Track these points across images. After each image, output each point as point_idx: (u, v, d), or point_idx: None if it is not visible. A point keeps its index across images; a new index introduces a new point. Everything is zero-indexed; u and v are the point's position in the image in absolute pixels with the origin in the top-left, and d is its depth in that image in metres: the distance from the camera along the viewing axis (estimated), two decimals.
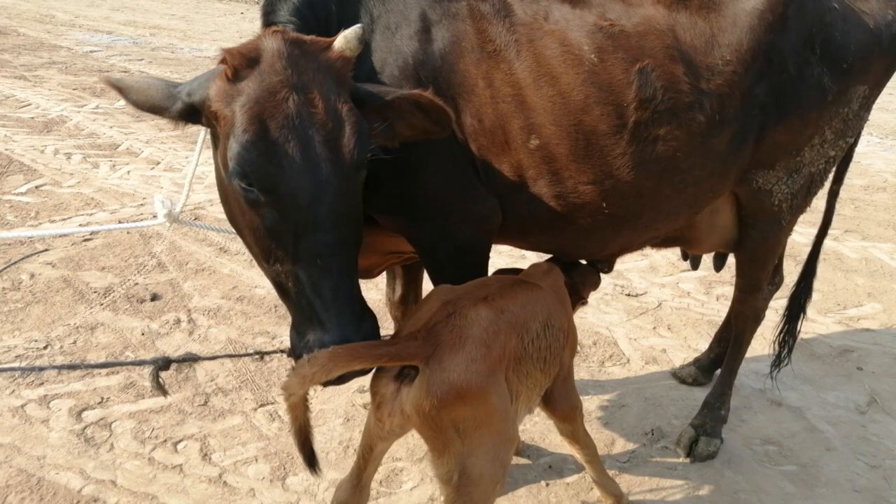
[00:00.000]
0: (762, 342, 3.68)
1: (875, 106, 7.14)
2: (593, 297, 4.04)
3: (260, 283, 3.99)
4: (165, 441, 2.79)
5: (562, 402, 2.19)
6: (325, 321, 1.76)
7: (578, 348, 3.52)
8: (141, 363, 2.12)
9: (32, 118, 6.78)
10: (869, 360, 3.57)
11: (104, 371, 3.17)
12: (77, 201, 4.95)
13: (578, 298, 2.41)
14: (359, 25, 1.83)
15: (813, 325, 3.89)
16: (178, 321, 3.58)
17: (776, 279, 2.84)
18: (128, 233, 4.48)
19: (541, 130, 2.04)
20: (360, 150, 1.74)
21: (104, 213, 4.81)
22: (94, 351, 3.31)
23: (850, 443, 2.97)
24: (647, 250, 4.53)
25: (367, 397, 3.04)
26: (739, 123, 2.14)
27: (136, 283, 3.91)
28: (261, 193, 1.69)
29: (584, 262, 2.48)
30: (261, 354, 2.09)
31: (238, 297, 3.84)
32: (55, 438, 2.76)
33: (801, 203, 2.48)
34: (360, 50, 1.84)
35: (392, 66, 2.01)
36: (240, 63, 1.70)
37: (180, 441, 2.80)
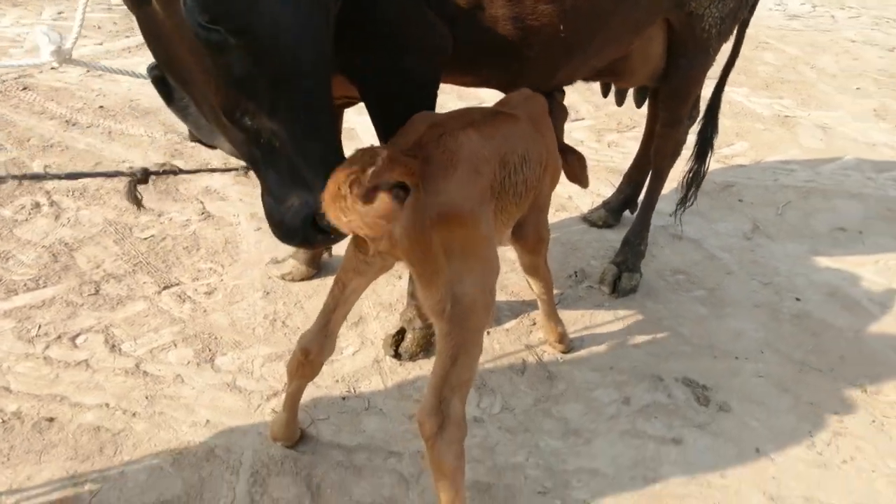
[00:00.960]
0: None
1: None
2: None
3: (128, 157, 3.48)
4: (59, 337, 2.42)
5: (532, 233, 2.15)
6: (310, 181, 1.51)
7: None
8: (117, 174, 1.78)
9: None
10: (746, 193, 3.86)
11: None
12: None
13: (563, 147, 2.29)
14: None
15: None
16: (38, 205, 3.05)
17: (693, 112, 2.90)
18: None
19: None
20: None
21: None
22: None
23: (744, 266, 3.23)
24: None
25: (284, 268, 2.83)
26: None
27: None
28: (230, 35, 1.34)
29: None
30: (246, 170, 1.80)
31: None
32: None
33: (727, 29, 2.51)
34: None
35: None
36: None
37: (78, 335, 2.44)
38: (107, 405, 2.19)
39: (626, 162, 3.63)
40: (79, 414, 2.15)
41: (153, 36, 1.57)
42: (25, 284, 2.63)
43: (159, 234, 2.97)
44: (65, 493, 1.91)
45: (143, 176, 1.77)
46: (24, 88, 4.02)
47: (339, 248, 2.45)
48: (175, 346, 2.44)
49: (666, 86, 2.64)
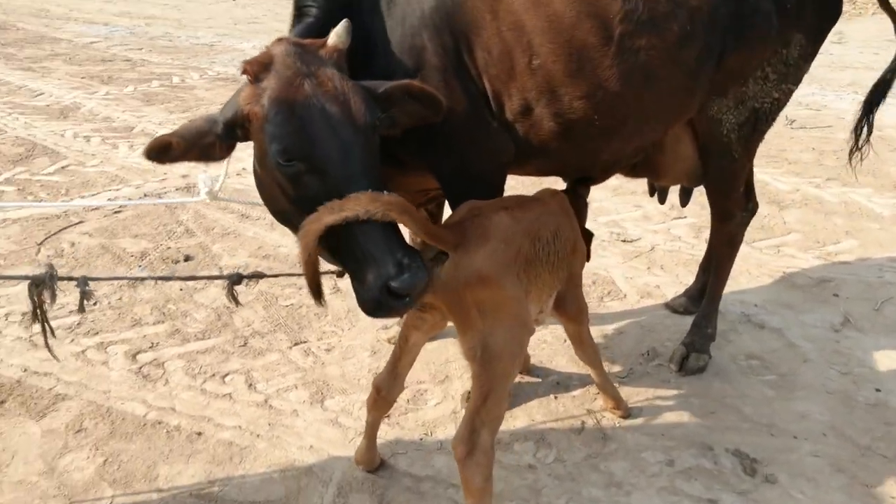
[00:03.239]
0: (747, 277, 4.03)
1: (859, 65, 7.65)
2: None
3: (282, 243, 4.31)
4: (214, 375, 3.13)
5: (571, 305, 2.54)
6: (379, 260, 1.95)
7: None
8: (218, 277, 2.48)
9: (48, 105, 7.06)
10: (844, 288, 3.90)
11: (152, 321, 3.50)
12: (103, 178, 5.26)
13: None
14: (345, 21, 2.12)
15: (794, 260, 4.23)
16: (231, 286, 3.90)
17: (749, 206, 3.13)
18: (153, 205, 4.79)
19: (539, 50, 2.30)
20: (370, 114, 2.02)
21: (129, 188, 5.12)
22: (139, 305, 3.63)
23: (825, 355, 3.31)
24: (642, 202, 4.85)
25: (391, 332, 3.39)
26: (705, 40, 2.42)
27: (169, 247, 4.23)
28: (300, 162, 1.95)
29: (570, 189, 2.80)
30: (334, 273, 2.39)
31: (264, 256, 4.16)
32: (116, 376, 3.10)
33: (748, 135, 2.76)
34: (349, 42, 2.12)
35: (412, 17, 2.30)
36: (257, 68, 1.98)
37: (227, 375, 3.13)
38: (240, 427, 2.81)
39: None
40: (219, 432, 2.79)
41: (259, 183, 2.23)
42: (195, 335, 3.41)
43: (297, 303, 3.68)
44: (201, 486, 2.51)
45: (238, 280, 2.42)
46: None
47: None
48: (296, 388, 3.05)
49: (706, 184, 2.96)
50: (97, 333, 3.39)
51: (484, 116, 2.44)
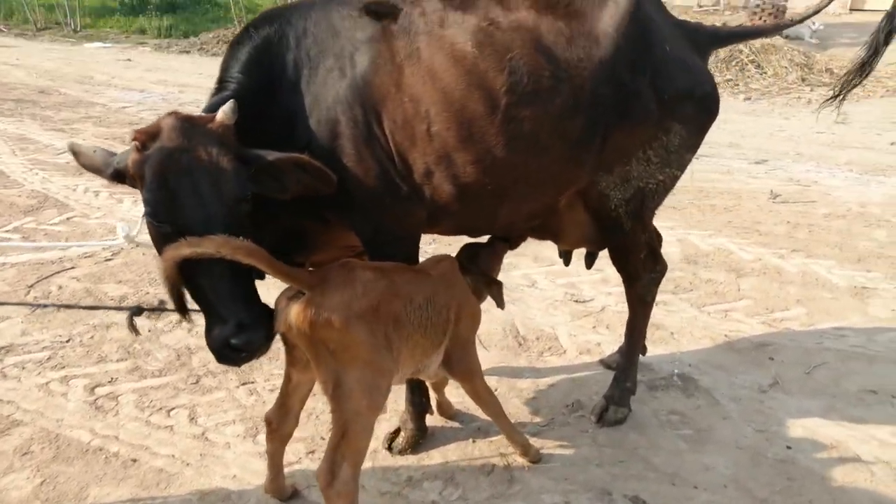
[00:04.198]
0: (689, 338, 4.17)
1: (859, 144, 7.89)
2: (543, 302, 4.58)
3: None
4: (161, 409, 3.37)
5: (458, 366, 2.72)
6: (224, 317, 2.32)
7: (521, 342, 4.05)
8: (121, 308, 2.78)
9: (67, 163, 7.60)
10: (782, 352, 4.01)
11: (116, 358, 3.78)
12: (101, 229, 5.67)
13: (488, 280, 2.95)
14: (232, 101, 2.42)
15: (739, 325, 4.35)
16: (181, 321, 4.18)
17: (657, 268, 3.30)
18: (143, 254, 5.15)
19: (435, 119, 2.56)
20: (237, 189, 2.32)
21: (120, 239, 5.50)
22: (108, 344, 3.92)
23: (746, 414, 3.42)
24: (605, 266, 5.05)
25: None
26: (589, 115, 2.64)
27: (147, 293, 4.55)
28: (167, 226, 2.27)
29: (487, 243, 3.05)
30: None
31: None
32: (72, 406, 3.36)
33: (635, 211, 2.93)
34: (235, 118, 2.40)
35: (326, 95, 2.61)
36: (145, 138, 2.27)
37: (173, 409, 3.37)
38: (173, 456, 3.03)
39: (670, 318, 4.07)
40: (153, 459, 3.01)
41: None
42: (153, 373, 3.67)
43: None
44: None
45: (138, 311, 2.73)
46: None
47: None
48: (234, 423, 3.27)
49: (608, 250, 3.17)
50: (63, 367, 3.68)
51: (394, 181, 2.68)
